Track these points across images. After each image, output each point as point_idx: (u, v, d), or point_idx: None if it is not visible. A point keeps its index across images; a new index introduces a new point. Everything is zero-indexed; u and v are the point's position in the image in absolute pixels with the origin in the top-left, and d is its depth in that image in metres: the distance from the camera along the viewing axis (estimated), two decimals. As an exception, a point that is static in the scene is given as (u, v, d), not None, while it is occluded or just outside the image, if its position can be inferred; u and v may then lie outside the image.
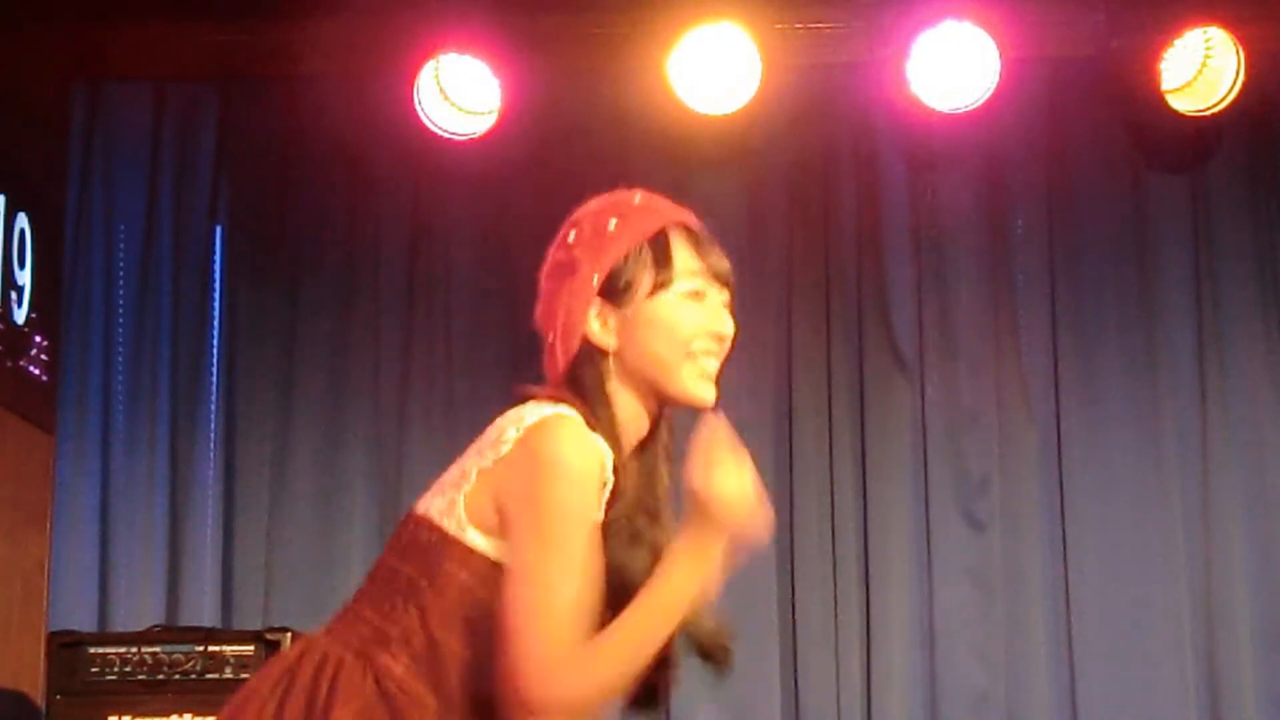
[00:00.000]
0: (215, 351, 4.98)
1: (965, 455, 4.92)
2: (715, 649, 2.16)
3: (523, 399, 2.02)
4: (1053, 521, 4.88)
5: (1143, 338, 4.96)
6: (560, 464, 1.91)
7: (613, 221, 2.10)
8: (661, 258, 2.08)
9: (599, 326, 2.06)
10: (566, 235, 2.12)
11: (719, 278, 2.12)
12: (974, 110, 4.74)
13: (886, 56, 4.77)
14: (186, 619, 4.74)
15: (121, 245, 5.02)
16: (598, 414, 2.01)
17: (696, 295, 2.09)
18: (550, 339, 2.10)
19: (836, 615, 4.83)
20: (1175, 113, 4.74)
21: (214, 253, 5.03)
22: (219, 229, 5.05)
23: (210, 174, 5.05)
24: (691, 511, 1.95)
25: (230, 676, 4.07)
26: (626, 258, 2.07)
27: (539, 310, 2.13)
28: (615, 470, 2.01)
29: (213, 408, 4.95)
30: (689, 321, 2.07)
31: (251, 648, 4.12)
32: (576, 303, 2.07)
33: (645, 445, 2.11)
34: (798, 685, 4.82)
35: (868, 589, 4.85)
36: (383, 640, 1.95)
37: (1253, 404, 4.92)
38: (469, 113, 4.75)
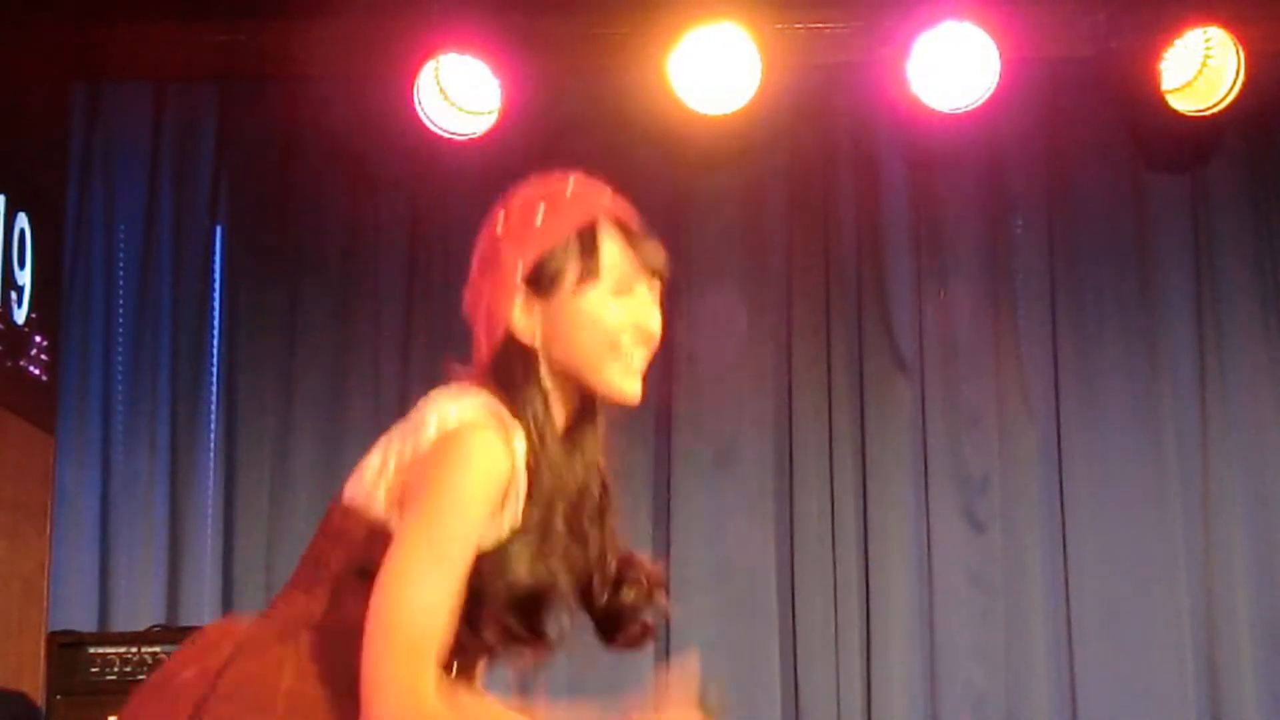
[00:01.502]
0: (215, 351, 4.98)
1: (965, 455, 4.92)
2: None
3: (450, 380, 2.02)
4: (1053, 521, 4.89)
5: (1143, 338, 4.96)
6: (461, 480, 1.90)
7: (541, 211, 2.06)
8: (589, 250, 2.03)
9: (523, 318, 2.03)
10: (495, 223, 2.09)
11: (649, 270, 2.07)
12: (974, 110, 4.74)
13: (886, 56, 4.77)
14: (186, 619, 4.73)
15: (121, 245, 5.02)
16: (518, 407, 1.98)
17: (624, 290, 2.04)
18: (476, 329, 2.08)
19: (837, 615, 4.83)
20: (1175, 113, 4.74)
21: (214, 253, 5.03)
22: (219, 229, 5.05)
23: (210, 174, 5.05)
24: None
25: (230, 676, 4.07)
26: (554, 249, 2.03)
27: (466, 299, 2.10)
28: (534, 466, 1.98)
29: (213, 408, 4.95)
30: (615, 317, 2.03)
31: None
32: (500, 293, 2.04)
33: (575, 435, 2.08)
34: (798, 685, 4.82)
35: (868, 589, 4.85)
36: (309, 624, 1.98)
37: (1253, 404, 4.92)
38: (469, 113, 4.76)
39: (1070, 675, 4.80)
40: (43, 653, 4.33)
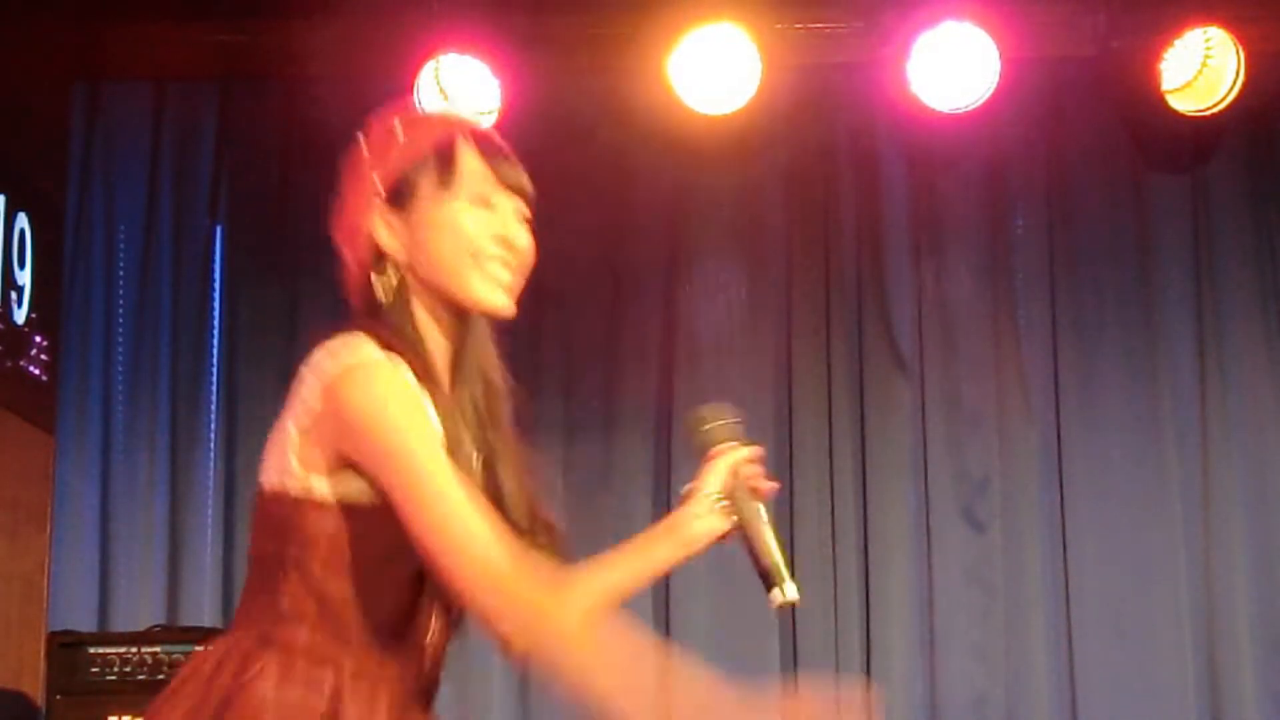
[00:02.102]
0: (215, 351, 4.98)
1: (965, 455, 4.92)
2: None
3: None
4: (1053, 521, 4.88)
5: (1143, 338, 4.96)
6: (378, 409, 1.90)
7: (399, 128, 2.06)
8: (446, 163, 2.02)
9: (385, 233, 2.02)
10: (358, 147, 2.09)
11: (511, 187, 2.05)
12: (974, 110, 4.74)
13: (886, 56, 4.77)
14: (186, 619, 4.74)
15: (121, 245, 5.02)
16: (395, 331, 1.98)
17: (483, 201, 2.02)
18: (344, 254, 2.09)
19: (836, 615, 4.83)
20: (1175, 113, 4.74)
21: (214, 252, 5.03)
22: (219, 229, 5.04)
23: (210, 174, 5.05)
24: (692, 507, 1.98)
25: (230, 676, 4.07)
26: (412, 163, 2.03)
27: (334, 224, 2.10)
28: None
29: (213, 408, 4.95)
30: (473, 225, 2.01)
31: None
32: (361, 207, 2.04)
33: (461, 357, 2.07)
34: (798, 685, 4.81)
35: (868, 588, 4.85)
36: (278, 617, 1.95)
37: (1253, 404, 4.92)
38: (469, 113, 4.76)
39: (1070, 675, 4.80)
40: (43, 653, 4.33)
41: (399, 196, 2.03)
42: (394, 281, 2.02)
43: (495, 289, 2.02)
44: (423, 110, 2.13)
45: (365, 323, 2.00)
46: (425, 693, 2.02)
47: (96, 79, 5.03)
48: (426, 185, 2.02)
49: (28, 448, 4.61)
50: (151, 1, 4.84)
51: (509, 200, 2.05)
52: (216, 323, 5.01)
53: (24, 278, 4.57)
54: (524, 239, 2.05)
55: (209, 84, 5.07)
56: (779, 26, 4.81)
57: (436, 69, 4.70)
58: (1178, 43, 4.65)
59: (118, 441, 4.92)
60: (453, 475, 1.87)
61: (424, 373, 1.97)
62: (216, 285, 5.03)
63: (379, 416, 1.90)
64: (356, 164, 2.08)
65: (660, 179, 5.01)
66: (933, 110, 4.75)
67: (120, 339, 4.98)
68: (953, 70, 4.72)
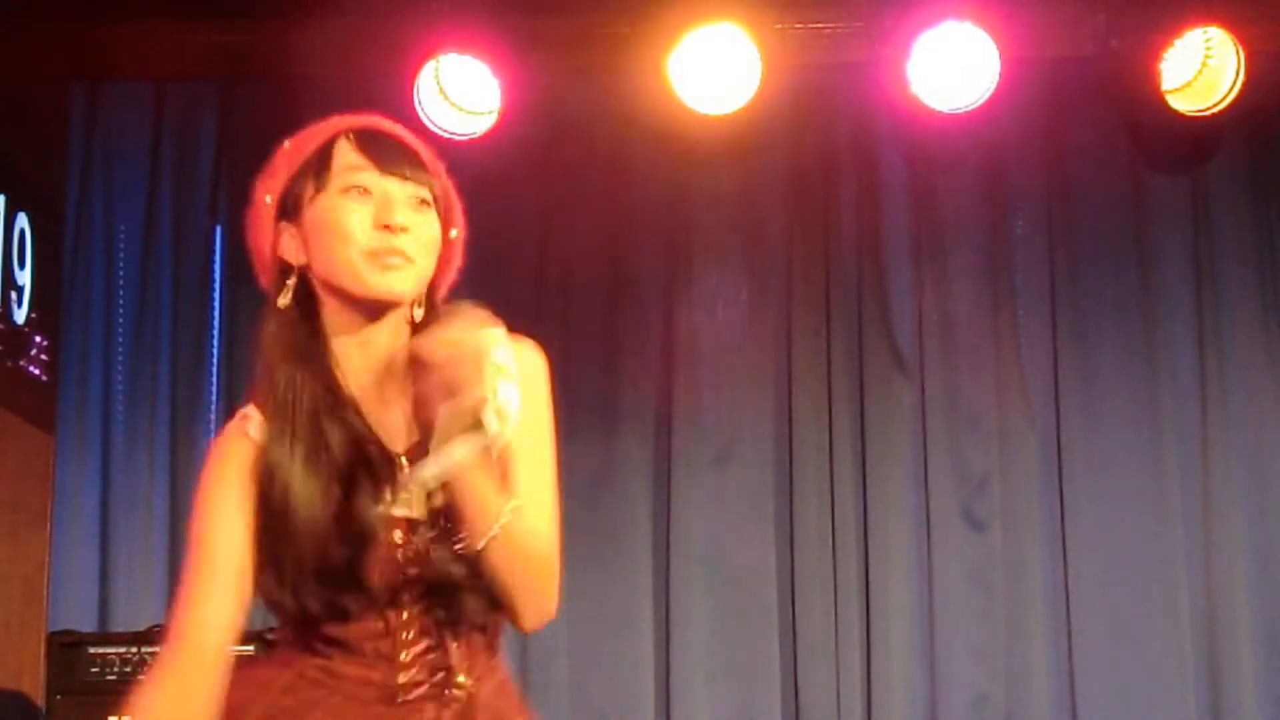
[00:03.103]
0: (215, 351, 4.98)
1: (965, 455, 4.92)
2: None
3: None
4: (1053, 521, 4.89)
5: (1143, 338, 4.96)
6: (198, 493, 2.05)
7: (286, 144, 2.09)
8: (323, 163, 2.03)
9: (286, 245, 2.04)
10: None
11: (394, 172, 2.02)
12: (974, 110, 4.74)
13: (886, 56, 4.76)
14: (186, 619, 4.73)
15: (121, 245, 5.02)
16: (266, 361, 2.03)
17: (359, 191, 2.01)
18: (258, 274, 2.11)
19: (837, 615, 4.83)
20: (1175, 113, 4.74)
21: (214, 253, 5.03)
22: (219, 229, 5.04)
23: (210, 174, 5.05)
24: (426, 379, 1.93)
25: (230, 676, 4.07)
26: (295, 172, 2.05)
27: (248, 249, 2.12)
28: (282, 387, 2.01)
29: (213, 407, 4.95)
30: (350, 218, 2.00)
31: (251, 648, 4.08)
32: (259, 227, 2.06)
33: (375, 346, 2.05)
34: (798, 685, 4.82)
35: (868, 589, 4.85)
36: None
37: (1253, 404, 4.92)
38: (469, 113, 4.75)
39: (1070, 675, 4.80)
40: (43, 653, 4.33)
41: (288, 209, 2.04)
42: (290, 289, 2.03)
43: (382, 275, 2.00)
44: (312, 123, 2.12)
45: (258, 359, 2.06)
46: (393, 697, 2.00)
47: (96, 79, 5.04)
48: (309, 190, 2.03)
49: (28, 448, 4.61)
50: (151, 1, 4.84)
51: (392, 184, 2.02)
52: (216, 323, 5.01)
53: (24, 278, 4.57)
54: (403, 218, 2.00)
55: (209, 84, 5.07)
56: (779, 26, 4.81)
57: (436, 69, 4.70)
58: (1178, 43, 4.65)
59: (118, 441, 4.92)
60: (192, 566, 1.99)
61: (277, 408, 2.01)
62: (216, 285, 5.03)
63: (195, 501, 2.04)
64: (253, 188, 2.09)
65: (660, 179, 5.01)
66: (933, 110, 4.75)
67: (120, 339, 4.98)
68: (953, 70, 4.72)
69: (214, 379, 4.97)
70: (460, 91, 4.75)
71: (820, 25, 4.94)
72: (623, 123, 4.87)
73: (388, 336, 2.05)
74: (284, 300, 2.03)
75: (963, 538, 4.89)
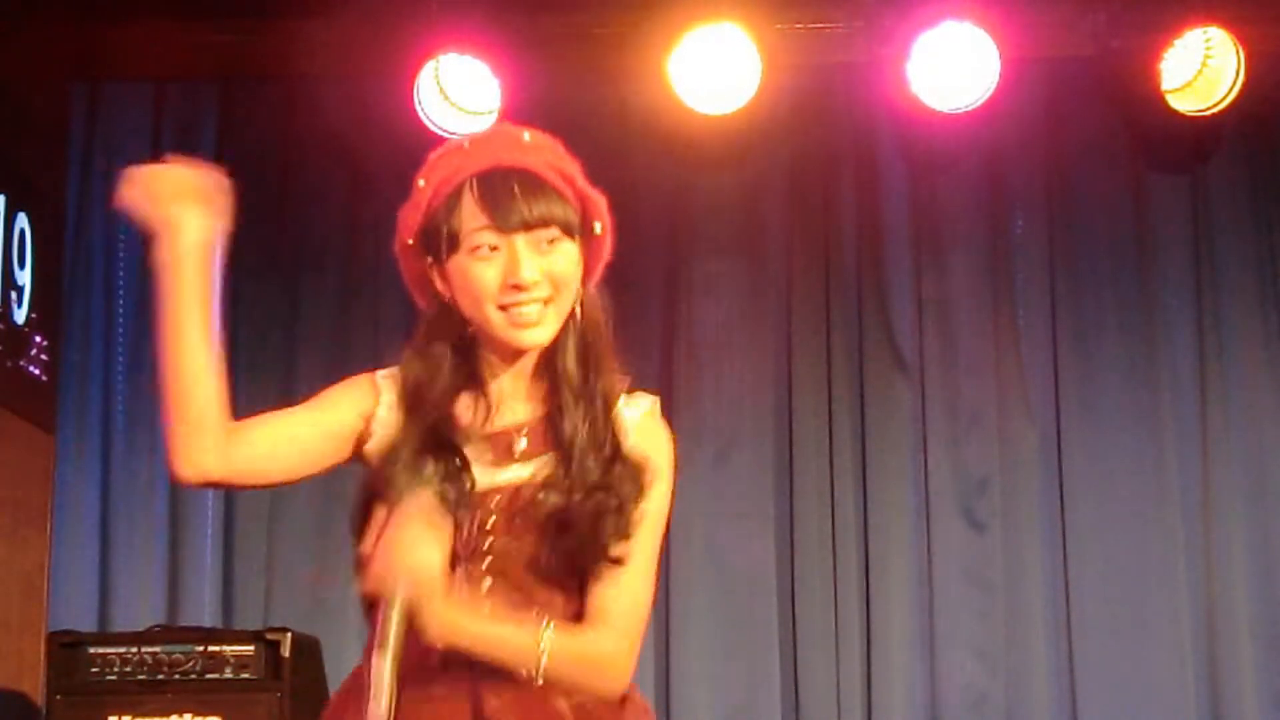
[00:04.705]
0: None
1: (965, 455, 4.92)
2: None
3: None
4: (1053, 521, 4.89)
5: (1143, 338, 4.96)
6: None
7: (420, 181, 2.17)
8: (451, 217, 2.11)
9: (440, 283, 2.15)
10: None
11: (508, 227, 2.09)
12: (974, 110, 4.74)
13: (886, 56, 4.77)
14: (186, 619, 4.74)
15: (121, 245, 5.02)
16: (414, 351, 2.15)
17: (487, 248, 2.09)
18: (414, 295, 2.23)
19: (837, 615, 4.83)
20: (1175, 113, 4.74)
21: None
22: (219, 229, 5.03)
23: (210, 174, 5.04)
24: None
25: (230, 676, 4.07)
26: (429, 220, 2.14)
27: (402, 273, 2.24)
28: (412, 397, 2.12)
29: (212, 408, 4.94)
30: (481, 281, 2.09)
31: (251, 648, 4.12)
32: (407, 262, 2.19)
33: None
34: (798, 685, 4.82)
35: (868, 589, 4.85)
36: None
37: (1253, 404, 4.92)
38: (469, 113, 4.75)
39: (1070, 675, 4.80)
40: (43, 653, 4.33)
41: (430, 250, 2.14)
42: (455, 317, 2.14)
43: (519, 333, 2.10)
44: (448, 149, 2.17)
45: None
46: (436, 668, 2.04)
47: (96, 79, 5.03)
48: (443, 244, 2.12)
49: (28, 448, 4.61)
50: (151, 1, 4.84)
51: (517, 240, 2.09)
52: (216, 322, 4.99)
53: (24, 278, 4.57)
54: (530, 273, 2.08)
55: (209, 84, 5.07)
56: (779, 26, 4.81)
57: (436, 69, 4.70)
58: (1178, 43, 4.65)
59: (118, 441, 4.92)
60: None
61: (412, 395, 2.13)
62: (216, 285, 5.02)
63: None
64: (399, 219, 2.19)
65: (660, 179, 5.01)
66: (933, 110, 4.75)
67: (120, 339, 4.98)
68: (953, 70, 4.72)
69: (214, 379, 4.96)
70: (460, 91, 4.75)
71: (820, 25, 4.94)
72: (623, 122, 4.87)
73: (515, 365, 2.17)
74: (464, 330, 2.13)
75: (963, 537, 4.89)
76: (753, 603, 4.84)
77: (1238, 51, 4.64)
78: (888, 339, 4.98)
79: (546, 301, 2.10)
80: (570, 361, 2.15)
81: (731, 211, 5.03)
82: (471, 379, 2.14)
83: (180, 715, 4.06)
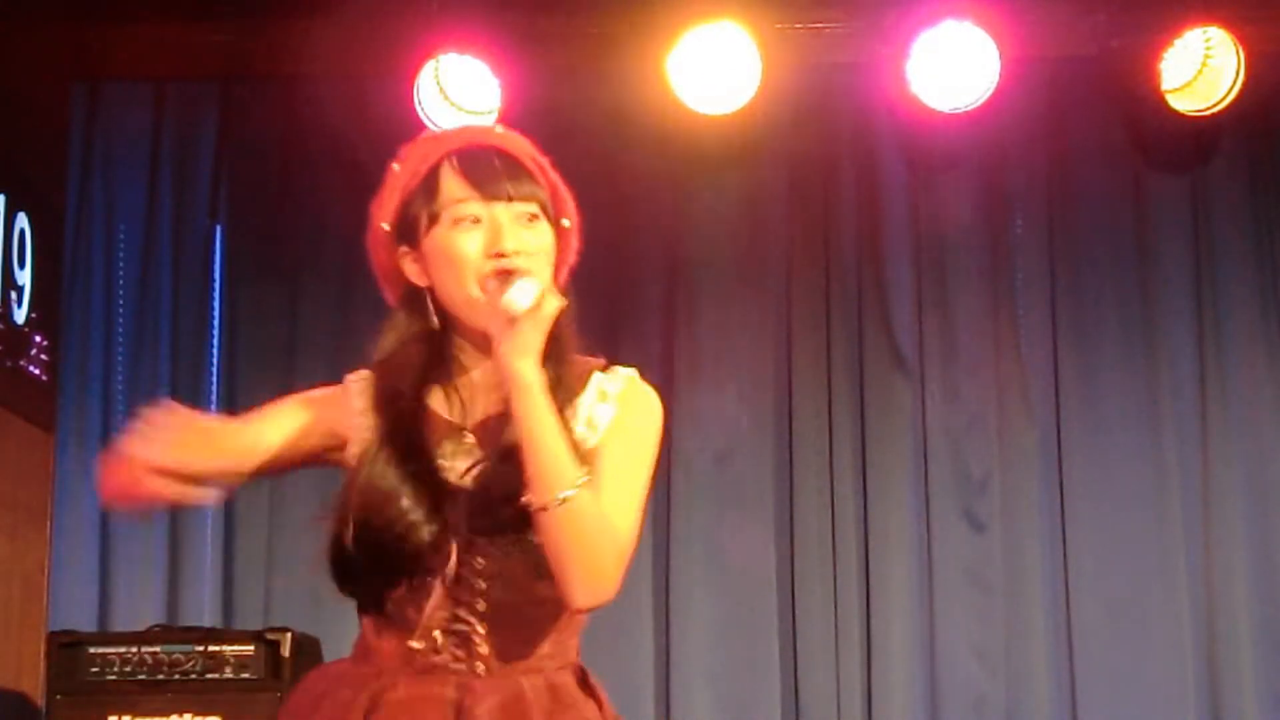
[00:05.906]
0: (215, 351, 4.98)
1: (965, 455, 4.92)
2: None
3: None
4: (1053, 521, 4.89)
5: (1143, 338, 4.96)
6: None
7: (395, 166, 2.15)
8: (430, 194, 2.09)
9: (413, 269, 2.12)
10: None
11: (492, 196, 2.08)
12: (974, 110, 4.74)
13: (886, 56, 4.77)
14: (186, 619, 4.74)
15: (121, 245, 5.02)
16: (383, 350, 2.14)
17: (469, 221, 2.07)
18: (384, 289, 2.21)
19: (837, 615, 4.83)
20: (1175, 113, 4.74)
21: (214, 252, 5.03)
22: (219, 229, 5.05)
23: (210, 174, 5.05)
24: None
25: (230, 676, 4.08)
26: (405, 200, 2.12)
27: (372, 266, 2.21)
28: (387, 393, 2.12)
29: (213, 407, 4.93)
30: (463, 251, 2.07)
31: (251, 648, 4.12)
32: (378, 252, 2.16)
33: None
34: (798, 685, 4.82)
35: (868, 589, 4.85)
36: None
37: (1253, 404, 4.92)
38: (469, 113, 4.75)
39: (1070, 675, 4.80)
40: (43, 653, 4.33)
41: (405, 234, 2.12)
42: (426, 305, 2.11)
43: (510, 296, 2.04)
44: (425, 131, 2.16)
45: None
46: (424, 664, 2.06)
47: (96, 79, 5.03)
48: (423, 220, 2.09)
49: (28, 447, 4.61)
50: (151, 1, 4.84)
51: (499, 209, 2.08)
52: (216, 323, 5.01)
53: (24, 278, 4.57)
54: (513, 242, 2.06)
55: (209, 84, 5.07)
56: (779, 26, 4.81)
57: (436, 68, 4.70)
58: (1178, 43, 4.65)
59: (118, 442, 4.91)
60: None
61: (383, 395, 2.13)
62: (216, 285, 5.03)
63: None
64: (372, 208, 2.17)
65: (659, 179, 5.01)
66: (933, 110, 4.75)
67: (120, 339, 4.98)
68: (953, 70, 4.72)
69: (214, 379, 4.97)
70: (460, 91, 4.75)
71: (820, 25, 4.94)
72: (622, 122, 4.87)
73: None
74: (434, 321, 2.11)
75: (963, 537, 4.89)
76: (753, 603, 4.84)
77: (1238, 51, 4.64)
78: (888, 339, 4.98)
79: (526, 275, 2.06)
80: None
81: (731, 211, 5.03)
82: (443, 372, 2.12)
83: (180, 715, 4.06)
